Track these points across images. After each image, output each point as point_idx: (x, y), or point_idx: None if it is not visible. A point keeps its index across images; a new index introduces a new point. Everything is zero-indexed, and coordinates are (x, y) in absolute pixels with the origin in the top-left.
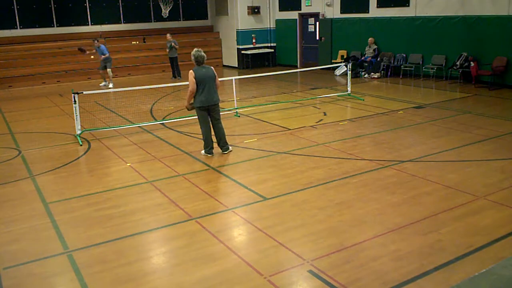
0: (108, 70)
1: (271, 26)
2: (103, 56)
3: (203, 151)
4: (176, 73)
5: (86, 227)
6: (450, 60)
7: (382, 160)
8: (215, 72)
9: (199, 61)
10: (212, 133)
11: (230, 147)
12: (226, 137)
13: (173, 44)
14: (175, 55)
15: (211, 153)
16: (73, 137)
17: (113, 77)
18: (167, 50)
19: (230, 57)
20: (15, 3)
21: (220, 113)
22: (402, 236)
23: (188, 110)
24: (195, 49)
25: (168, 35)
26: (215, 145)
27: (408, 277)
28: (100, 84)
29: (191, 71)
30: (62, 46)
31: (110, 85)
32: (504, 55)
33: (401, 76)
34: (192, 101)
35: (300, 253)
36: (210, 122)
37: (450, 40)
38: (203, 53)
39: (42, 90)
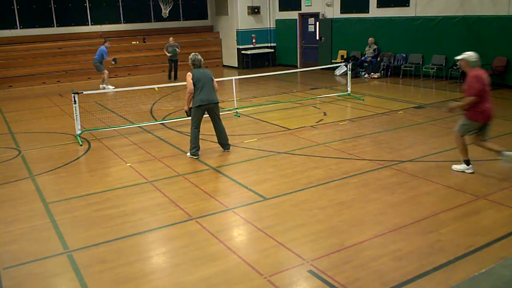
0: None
1: (271, 26)
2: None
3: (189, 153)
4: (175, 76)
5: (86, 227)
6: (450, 60)
7: (382, 160)
8: (212, 75)
9: (195, 65)
10: (204, 133)
11: (230, 147)
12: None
13: (177, 49)
14: (177, 57)
15: (197, 154)
16: (73, 137)
17: (112, 77)
18: (170, 54)
19: (230, 57)
20: (15, 3)
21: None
22: (402, 236)
23: (188, 115)
24: (192, 53)
25: (171, 39)
26: (215, 145)
27: (408, 277)
28: (110, 87)
29: (188, 72)
30: (62, 46)
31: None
32: (504, 55)
33: (401, 76)
34: (191, 104)
35: (300, 253)
36: (211, 122)
37: (450, 40)
38: (199, 57)
39: (42, 90)
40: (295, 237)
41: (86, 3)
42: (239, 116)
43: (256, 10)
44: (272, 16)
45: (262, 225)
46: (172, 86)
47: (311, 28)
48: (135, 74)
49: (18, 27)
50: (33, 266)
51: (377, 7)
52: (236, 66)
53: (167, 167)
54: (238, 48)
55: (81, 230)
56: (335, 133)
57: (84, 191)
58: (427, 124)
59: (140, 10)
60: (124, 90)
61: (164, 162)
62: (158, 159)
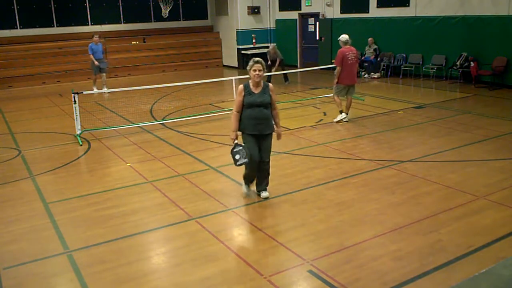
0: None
1: (271, 26)
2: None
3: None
4: (285, 76)
5: (86, 227)
6: (450, 60)
7: (382, 160)
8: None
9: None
10: None
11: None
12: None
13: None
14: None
15: (250, 190)
16: (73, 137)
17: (112, 77)
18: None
19: (230, 57)
20: (15, 3)
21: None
22: (402, 236)
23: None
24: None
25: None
26: (216, 145)
27: (408, 277)
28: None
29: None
30: (62, 46)
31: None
32: (504, 55)
33: (401, 76)
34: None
35: (300, 253)
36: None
37: (450, 40)
38: (257, 59)
39: (42, 90)
40: (295, 237)
41: (86, 3)
42: None
43: (256, 10)
44: (272, 16)
45: (262, 225)
46: (172, 86)
47: (311, 28)
48: (135, 74)
49: (18, 27)
50: (33, 266)
51: (377, 7)
52: (236, 66)
53: (167, 167)
54: (238, 48)
55: (81, 230)
56: (335, 133)
57: (84, 191)
58: (427, 124)
59: (140, 10)
60: (124, 90)
61: (164, 162)
62: (158, 159)
